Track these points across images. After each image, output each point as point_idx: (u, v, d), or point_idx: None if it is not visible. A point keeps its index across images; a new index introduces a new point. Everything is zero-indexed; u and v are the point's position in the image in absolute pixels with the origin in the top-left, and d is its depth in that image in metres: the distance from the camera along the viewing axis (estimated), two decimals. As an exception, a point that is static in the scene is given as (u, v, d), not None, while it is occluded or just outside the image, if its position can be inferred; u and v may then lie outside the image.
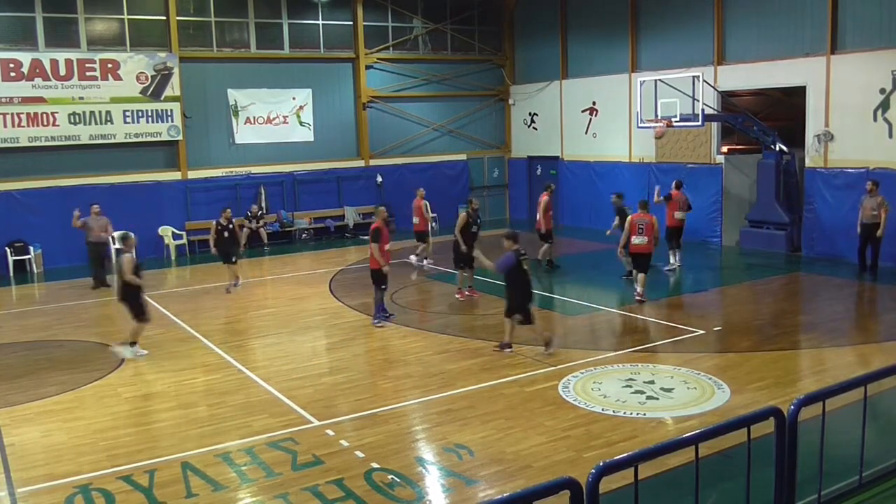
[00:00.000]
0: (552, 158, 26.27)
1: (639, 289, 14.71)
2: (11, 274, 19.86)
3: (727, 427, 5.18)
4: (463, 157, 27.30)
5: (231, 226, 17.24)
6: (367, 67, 25.26)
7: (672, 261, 17.68)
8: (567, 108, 25.46)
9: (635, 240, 14.65)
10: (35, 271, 20.25)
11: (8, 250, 20.11)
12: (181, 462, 8.14)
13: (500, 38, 27.66)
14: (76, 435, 9.09)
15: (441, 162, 26.72)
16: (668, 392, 9.74)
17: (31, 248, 20.33)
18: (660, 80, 19.33)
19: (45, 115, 20.66)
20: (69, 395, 10.55)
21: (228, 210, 17.54)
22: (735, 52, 20.31)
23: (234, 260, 17.25)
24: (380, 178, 25.43)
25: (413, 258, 19.59)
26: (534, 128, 27.08)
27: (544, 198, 18.17)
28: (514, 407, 9.44)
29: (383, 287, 13.75)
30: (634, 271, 14.99)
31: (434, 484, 7.59)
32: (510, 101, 27.77)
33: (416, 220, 19.52)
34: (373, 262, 13.58)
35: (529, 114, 27.13)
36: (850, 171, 17.88)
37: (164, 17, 22.16)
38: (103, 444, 8.75)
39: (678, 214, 17.75)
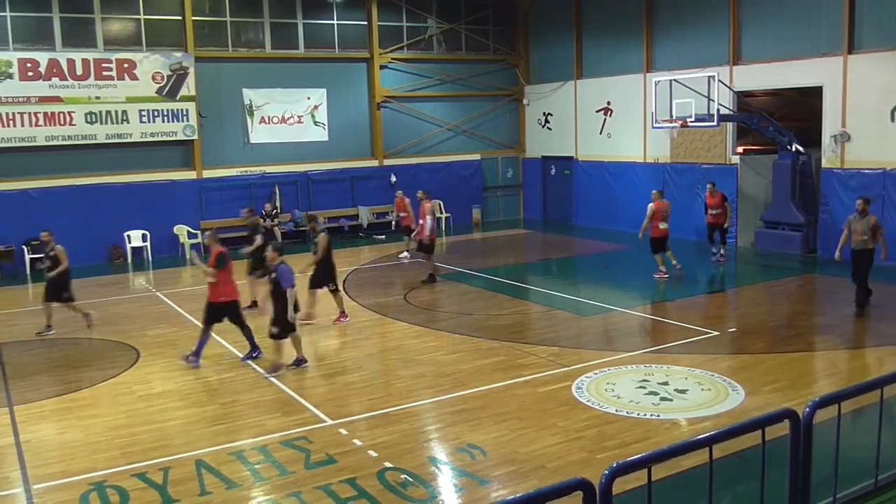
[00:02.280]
0: (566, 158, 26.22)
1: (664, 267, 16.71)
2: (28, 272, 20.02)
3: (741, 429, 5.15)
4: (477, 156, 27.28)
5: (52, 252, 13.66)
6: (382, 67, 25.29)
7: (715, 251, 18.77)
8: (581, 108, 25.40)
9: (661, 225, 16.59)
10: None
11: (25, 248, 20.27)
12: (195, 460, 8.18)
13: (514, 38, 27.63)
14: (91, 432, 9.15)
15: (455, 162, 26.71)
16: (682, 393, 9.70)
17: (48, 247, 20.44)
18: (675, 80, 19.26)
19: (61, 115, 20.81)
20: (84, 392, 10.63)
21: (45, 232, 14.03)
22: (751, 51, 20.20)
23: (65, 297, 13.83)
24: (394, 178, 25.46)
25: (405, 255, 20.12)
26: (548, 128, 27.03)
27: (429, 205, 17.22)
28: (527, 407, 9.43)
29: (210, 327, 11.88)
30: (658, 255, 16.77)
31: (447, 484, 7.59)
32: (524, 101, 27.73)
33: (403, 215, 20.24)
34: (223, 292, 11.73)
35: (544, 114, 27.08)
36: (866, 171, 17.75)
37: (179, 17, 22.27)
38: (118, 442, 8.80)
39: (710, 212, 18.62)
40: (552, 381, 10.35)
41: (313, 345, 12.86)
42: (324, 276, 13.91)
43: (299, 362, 11.34)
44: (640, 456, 4.46)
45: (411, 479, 7.57)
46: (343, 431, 8.86)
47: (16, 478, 7.98)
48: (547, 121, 27.00)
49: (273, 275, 11.03)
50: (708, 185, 18.63)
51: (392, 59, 25.46)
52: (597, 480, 4.12)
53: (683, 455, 4.93)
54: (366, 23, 25.03)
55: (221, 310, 11.76)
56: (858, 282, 13.52)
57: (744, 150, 21.24)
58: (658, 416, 8.99)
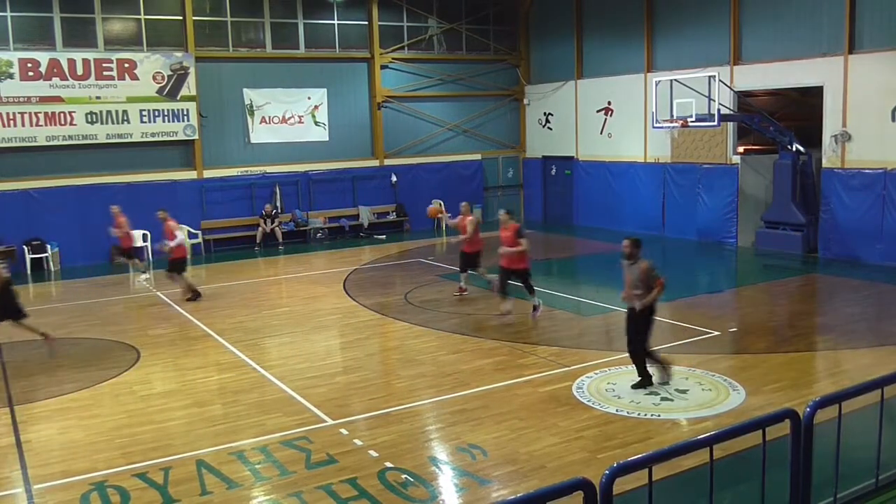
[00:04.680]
0: (567, 158, 26.22)
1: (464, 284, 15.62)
2: (29, 272, 20.02)
3: (742, 429, 5.15)
4: (477, 156, 27.28)
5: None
6: (383, 67, 25.29)
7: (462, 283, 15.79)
8: (582, 108, 25.41)
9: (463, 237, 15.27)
10: (52, 269, 20.40)
11: (25, 248, 20.28)
12: (196, 460, 8.18)
13: (515, 38, 27.62)
14: (92, 432, 9.16)
15: (455, 162, 26.71)
16: (683, 393, 9.69)
17: (49, 247, 20.50)
18: (675, 79, 19.27)
19: (62, 115, 20.81)
20: (85, 392, 10.63)
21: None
22: (751, 51, 20.20)
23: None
24: (394, 178, 25.47)
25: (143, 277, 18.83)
26: (549, 128, 27.03)
27: (171, 222, 16.18)
28: (527, 407, 9.42)
29: None
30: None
31: (447, 484, 7.59)
32: (525, 101, 27.73)
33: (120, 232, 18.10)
34: None
35: (544, 113, 27.08)
36: (867, 171, 17.74)
37: (180, 17, 22.27)
38: (119, 442, 8.81)
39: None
40: (553, 381, 10.35)
41: (314, 344, 12.87)
42: (4, 309, 12.28)
43: None
44: (640, 456, 4.46)
45: (412, 479, 7.57)
46: (344, 431, 8.86)
47: (16, 478, 7.98)
48: (547, 121, 27.00)
49: None
50: (501, 213, 14.26)
51: (393, 59, 25.46)
52: (597, 480, 4.13)
53: (684, 455, 4.94)
54: (366, 23, 25.03)
55: None
56: (633, 352, 9.89)
57: (744, 149, 21.24)
58: (659, 416, 8.99)
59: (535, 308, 13.67)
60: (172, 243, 15.91)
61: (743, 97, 20.47)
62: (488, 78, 27.24)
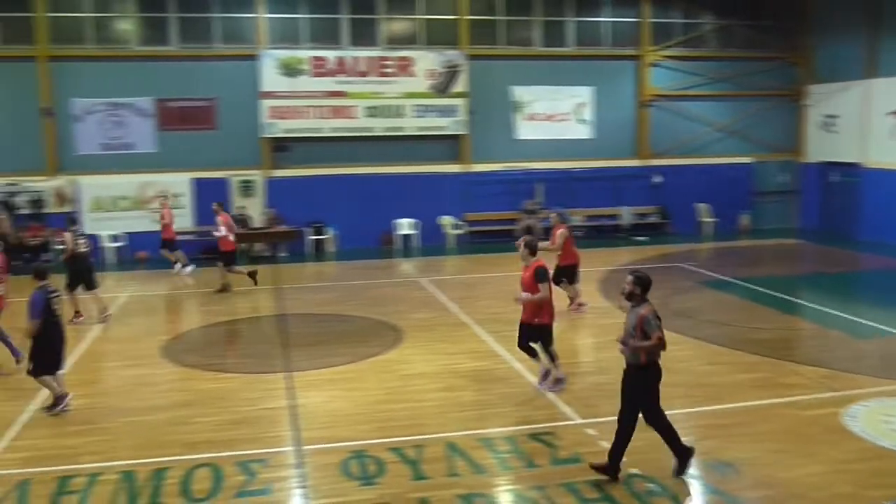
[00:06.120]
0: (851, 165, 24.01)
1: None
2: (313, 251, 21.93)
3: None
4: (748, 159, 25.81)
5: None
6: (651, 65, 24.69)
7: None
8: (872, 110, 23.10)
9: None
10: (330, 251, 22.20)
11: (309, 229, 22.25)
12: (446, 442, 8.51)
13: (795, 34, 25.67)
14: (355, 403, 9.86)
15: (723, 164, 25.44)
16: (978, 435, 8.55)
17: (328, 230, 22.31)
18: None
19: (345, 108, 22.54)
20: (351, 366, 11.46)
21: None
22: None
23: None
24: (658, 179, 24.80)
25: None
26: (832, 131, 24.89)
27: (222, 216, 16.86)
28: (788, 430, 8.78)
29: None
30: None
31: (696, 499, 7.29)
32: (805, 102, 25.75)
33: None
34: None
35: (827, 115, 24.98)
36: None
37: (455, 17, 23.22)
38: (378, 416, 9.40)
39: None
40: (820, 405, 9.55)
41: (568, 342, 12.88)
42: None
43: (53, 406, 9.62)
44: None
45: (658, 490, 7.35)
46: (591, 432, 8.79)
47: (288, 437, 8.80)
48: (831, 123, 24.89)
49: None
50: (520, 247, 10.52)
51: (663, 56, 24.75)
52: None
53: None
54: (637, 20, 24.54)
55: None
56: (622, 426, 7.66)
57: None
58: (945, 457, 8.00)
59: (545, 375, 10.44)
60: (217, 233, 16.81)
61: None
62: (763, 77, 25.60)
